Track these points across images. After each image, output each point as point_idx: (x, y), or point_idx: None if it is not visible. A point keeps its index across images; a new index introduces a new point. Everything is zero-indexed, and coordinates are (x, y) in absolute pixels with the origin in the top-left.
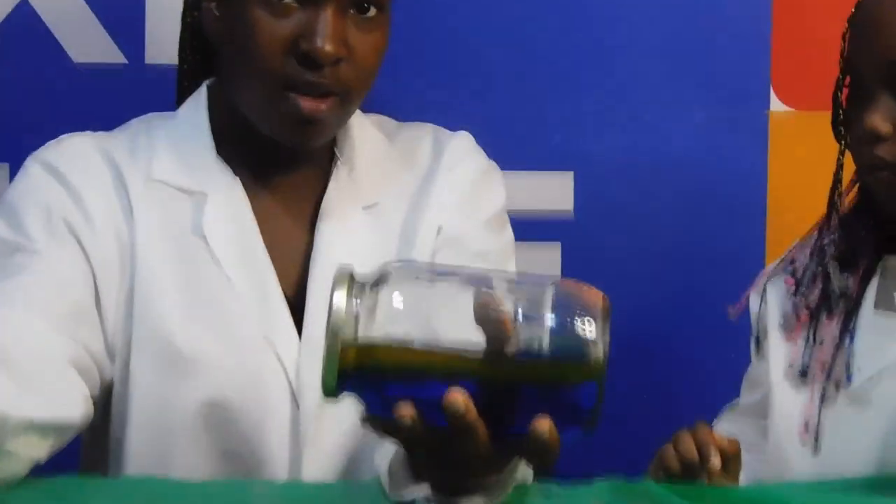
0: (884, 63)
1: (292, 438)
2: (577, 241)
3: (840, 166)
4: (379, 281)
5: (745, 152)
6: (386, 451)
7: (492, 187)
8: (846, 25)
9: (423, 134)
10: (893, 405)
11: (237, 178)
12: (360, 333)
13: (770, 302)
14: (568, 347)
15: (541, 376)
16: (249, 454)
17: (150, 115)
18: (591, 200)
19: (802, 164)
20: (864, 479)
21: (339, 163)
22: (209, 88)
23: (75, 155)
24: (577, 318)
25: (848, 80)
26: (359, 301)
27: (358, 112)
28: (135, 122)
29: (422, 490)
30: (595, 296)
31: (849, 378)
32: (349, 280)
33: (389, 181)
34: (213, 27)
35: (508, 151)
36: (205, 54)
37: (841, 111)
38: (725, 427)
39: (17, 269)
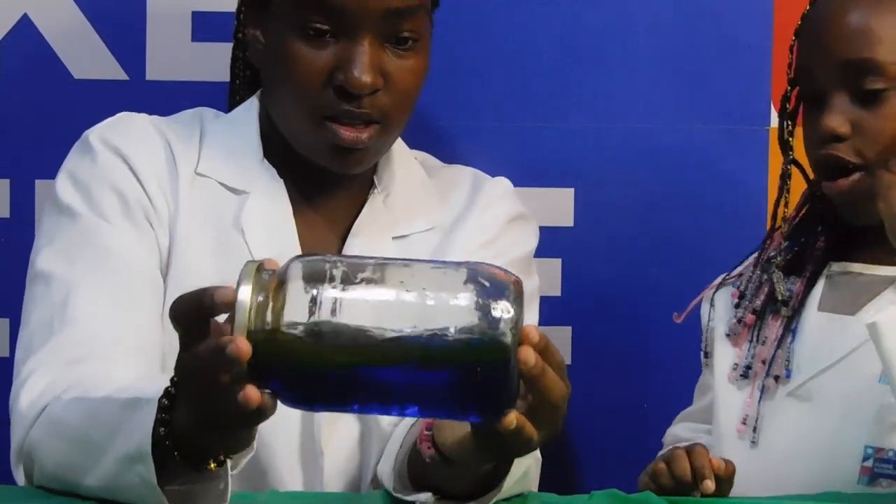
0: (838, 63)
1: (304, 442)
2: (578, 257)
3: (785, 180)
4: (285, 274)
5: (746, 168)
6: (389, 455)
7: (521, 233)
8: (794, 39)
9: (463, 175)
10: (837, 402)
11: (281, 181)
12: (268, 324)
13: (718, 310)
14: (482, 332)
15: (452, 359)
16: (260, 452)
17: (201, 108)
18: (591, 216)
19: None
20: (853, 495)
21: (375, 190)
22: (261, 97)
23: (137, 136)
24: (492, 301)
25: (796, 93)
26: (261, 296)
27: (403, 146)
28: (187, 113)
29: (426, 496)
30: (507, 278)
31: (788, 374)
32: (255, 273)
33: (423, 216)
34: (258, 54)
35: (508, 167)
36: (255, 71)
37: (787, 123)
38: (676, 431)
39: (110, 260)
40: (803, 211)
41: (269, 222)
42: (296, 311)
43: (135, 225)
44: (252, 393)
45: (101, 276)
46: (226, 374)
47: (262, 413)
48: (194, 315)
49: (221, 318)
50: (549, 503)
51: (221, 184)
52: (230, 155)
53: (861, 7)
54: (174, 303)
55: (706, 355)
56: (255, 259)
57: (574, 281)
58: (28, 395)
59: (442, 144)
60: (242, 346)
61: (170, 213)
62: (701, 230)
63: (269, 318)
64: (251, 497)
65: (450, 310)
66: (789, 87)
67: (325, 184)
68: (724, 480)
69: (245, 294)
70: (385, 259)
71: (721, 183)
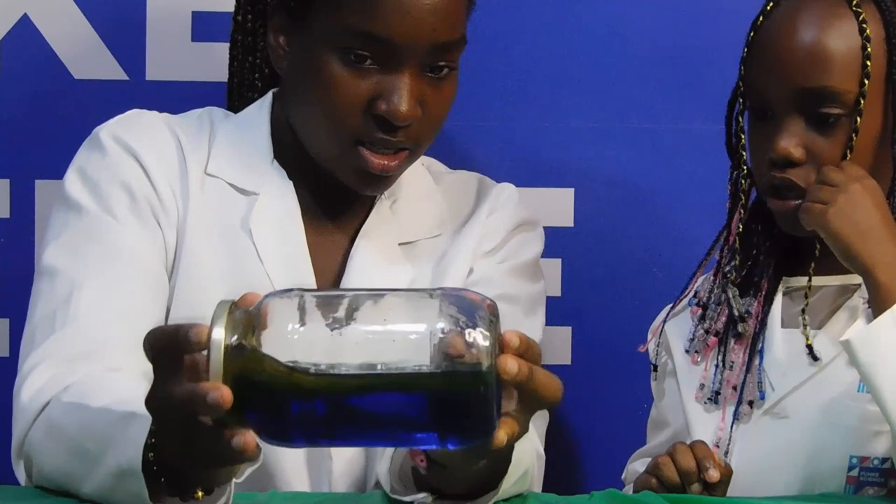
0: (793, 90)
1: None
2: (578, 257)
3: (738, 188)
4: (259, 313)
5: None
6: (387, 456)
7: (526, 237)
8: (745, 49)
9: (469, 181)
10: (816, 416)
11: (290, 183)
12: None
13: (672, 338)
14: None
15: (433, 386)
16: (267, 456)
17: (210, 108)
18: (591, 216)
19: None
20: (847, 497)
21: (382, 196)
22: (274, 96)
23: (148, 134)
24: (467, 330)
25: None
26: (235, 337)
27: None
28: (195, 112)
29: (423, 496)
30: (481, 302)
31: (762, 396)
32: (228, 314)
33: (429, 222)
34: (281, 61)
35: (509, 168)
36: (257, 73)
37: (739, 132)
38: (636, 467)
39: (117, 256)
40: (750, 224)
41: (278, 224)
42: (272, 350)
43: (142, 222)
44: (249, 439)
45: (107, 272)
46: (206, 417)
47: (251, 455)
48: (168, 350)
49: None
50: (549, 503)
51: (231, 184)
52: (240, 156)
53: (814, 27)
54: (148, 335)
55: (656, 368)
56: (228, 299)
57: (574, 281)
58: (29, 389)
59: (442, 145)
60: (225, 394)
61: (179, 211)
62: (701, 230)
63: (245, 358)
64: (251, 497)
65: (424, 343)
66: (741, 99)
67: (335, 187)
68: (721, 482)
69: (219, 335)
70: (358, 292)
71: (721, 183)
